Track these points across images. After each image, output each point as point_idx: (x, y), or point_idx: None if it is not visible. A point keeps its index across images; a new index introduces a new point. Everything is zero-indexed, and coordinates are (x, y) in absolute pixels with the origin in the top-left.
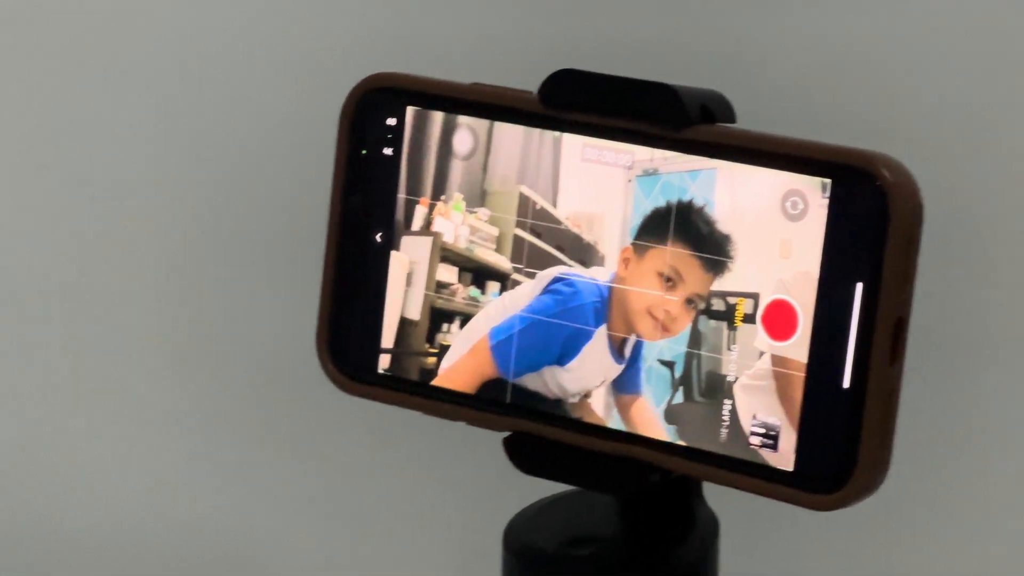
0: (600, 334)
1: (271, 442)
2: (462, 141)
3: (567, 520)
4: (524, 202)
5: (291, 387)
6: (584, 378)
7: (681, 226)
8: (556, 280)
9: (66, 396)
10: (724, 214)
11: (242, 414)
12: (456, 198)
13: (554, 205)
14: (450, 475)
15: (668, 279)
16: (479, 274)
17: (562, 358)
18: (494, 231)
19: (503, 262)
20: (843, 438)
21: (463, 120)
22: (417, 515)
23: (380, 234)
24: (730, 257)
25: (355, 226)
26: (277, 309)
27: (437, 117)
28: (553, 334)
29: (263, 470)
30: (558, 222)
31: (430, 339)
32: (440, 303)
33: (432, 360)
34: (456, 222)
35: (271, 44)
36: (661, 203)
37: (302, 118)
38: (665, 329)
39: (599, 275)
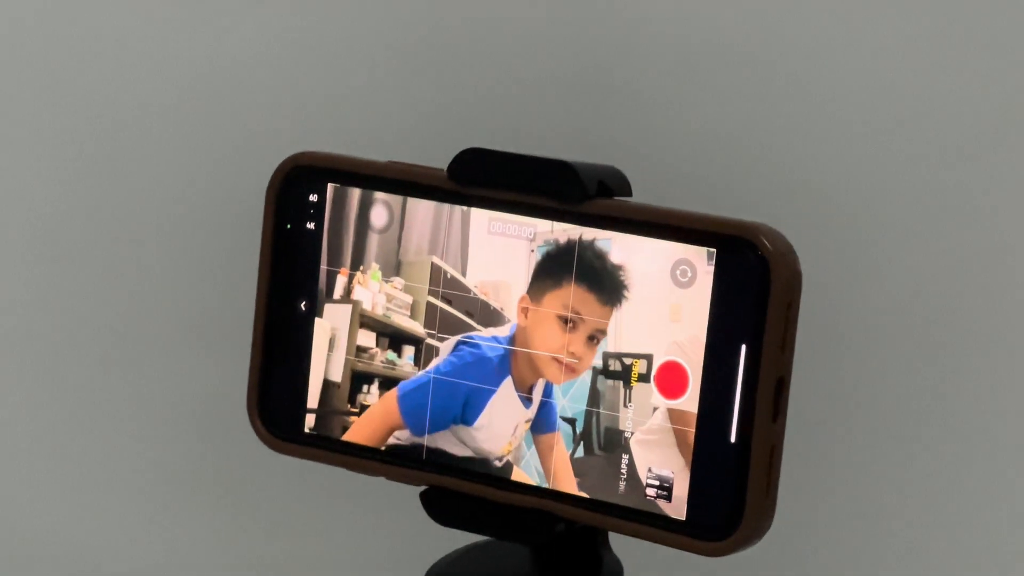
0: (506, 387)
1: (203, 493)
2: (379, 215)
3: (483, 568)
4: (436, 271)
5: (224, 443)
6: (496, 435)
7: (578, 267)
8: (460, 343)
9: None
10: (620, 271)
11: (177, 468)
12: (373, 268)
13: (463, 274)
14: (371, 525)
15: (567, 320)
16: (395, 339)
17: (467, 417)
18: (408, 299)
19: (417, 327)
20: (731, 489)
21: (379, 196)
22: (342, 563)
23: (304, 302)
24: (626, 287)
25: (281, 295)
26: (211, 371)
27: (355, 193)
28: (457, 393)
29: (195, 521)
30: (467, 290)
31: (351, 400)
32: (360, 366)
33: (353, 419)
34: (373, 290)
35: (201, 121)
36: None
37: (228, 193)
38: (571, 370)
39: (500, 331)
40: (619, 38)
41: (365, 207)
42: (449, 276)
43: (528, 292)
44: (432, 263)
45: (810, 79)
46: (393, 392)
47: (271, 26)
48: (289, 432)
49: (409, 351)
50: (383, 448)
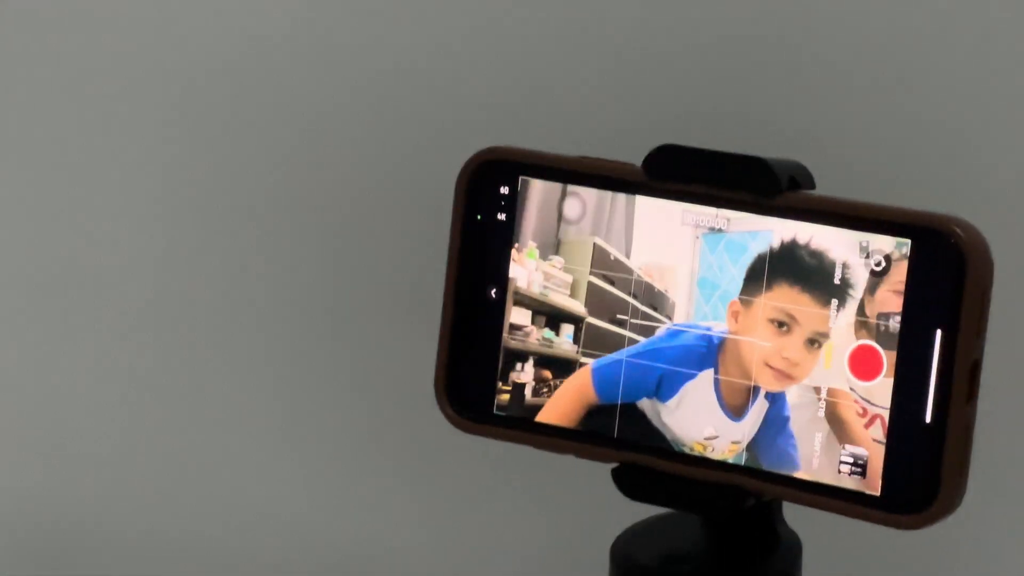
0: (705, 378)
1: (395, 472)
2: (571, 208)
3: (665, 539)
4: (599, 252)
5: (412, 423)
6: (687, 423)
7: (785, 268)
8: (670, 330)
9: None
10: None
11: (375, 446)
12: (530, 246)
13: (627, 256)
14: (556, 498)
15: (781, 324)
16: (553, 317)
17: (661, 394)
18: (568, 278)
19: (577, 306)
20: (926, 466)
21: (572, 189)
22: (528, 536)
23: (494, 289)
24: (835, 282)
25: (470, 283)
26: (398, 355)
27: (547, 186)
28: (652, 372)
29: (388, 496)
30: (630, 271)
31: (503, 378)
32: (513, 344)
33: (544, 398)
34: (530, 269)
35: (395, 115)
36: (759, 251)
37: (417, 184)
38: (787, 377)
39: (714, 326)
40: (790, 31)
41: (557, 199)
42: (612, 257)
43: (740, 296)
44: (595, 243)
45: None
46: (587, 368)
47: (463, 20)
48: (477, 414)
49: (568, 329)
50: (575, 427)
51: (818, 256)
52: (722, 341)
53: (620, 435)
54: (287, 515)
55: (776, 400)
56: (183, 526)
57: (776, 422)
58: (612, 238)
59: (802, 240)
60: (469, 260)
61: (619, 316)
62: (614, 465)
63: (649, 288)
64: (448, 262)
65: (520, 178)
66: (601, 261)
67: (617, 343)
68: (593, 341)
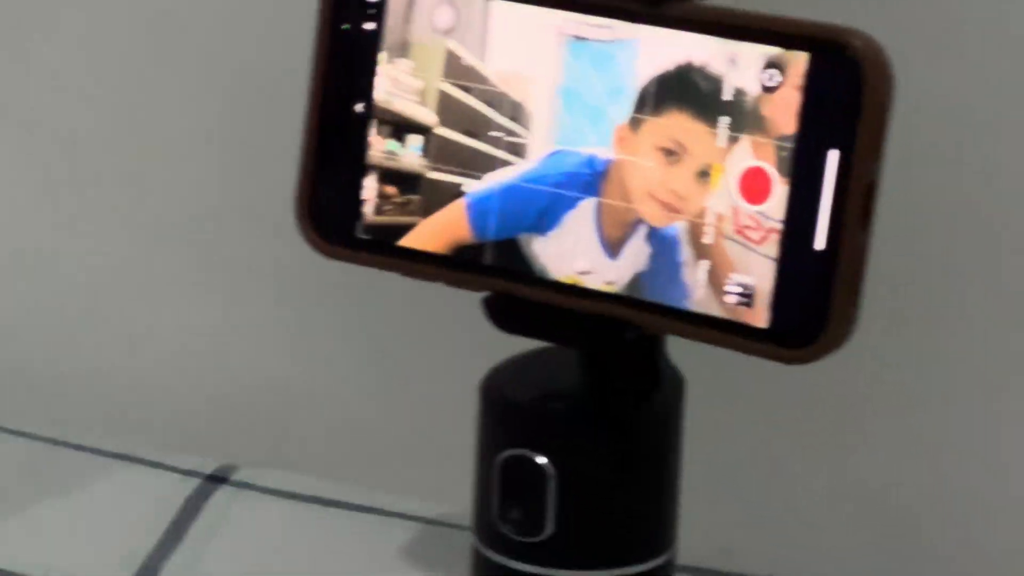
0: (585, 208)
1: (270, 300)
2: (443, 16)
3: (540, 375)
4: (452, 57)
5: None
6: (563, 256)
7: (671, 85)
8: (553, 153)
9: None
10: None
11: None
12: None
13: (482, 61)
14: (427, 329)
15: (670, 152)
16: (399, 127)
17: (542, 225)
18: (418, 83)
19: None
20: (816, 296)
21: None
22: (396, 368)
23: (360, 104)
24: (726, 103)
25: (334, 98)
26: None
27: None
28: (535, 199)
29: (264, 325)
30: (485, 80)
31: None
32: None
33: (408, 222)
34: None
35: None
36: (641, 67)
37: None
38: (674, 210)
39: (599, 152)
40: None
41: (428, 8)
42: (465, 63)
43: (625, 116)
44: (447, 47)
45: None
46: (461, 200)
47: None
48: (342, 237)
49: (415, 141)
50: (445, 253)
51: (706, 70)
52: (607, 167)
53: (494, 262)
54: (165, 344)
55: (659, 236)
56: (58, 353)
57: (659, 255)
58: (467, 41)
59: (689, 54)
60: (333, 73)
61: (474, 129)
62: (486, 294)
63: (507, 99)
64: (312, 76)
65: None
66: (454, 67)
67: (481, 162)
68: (445, 155)
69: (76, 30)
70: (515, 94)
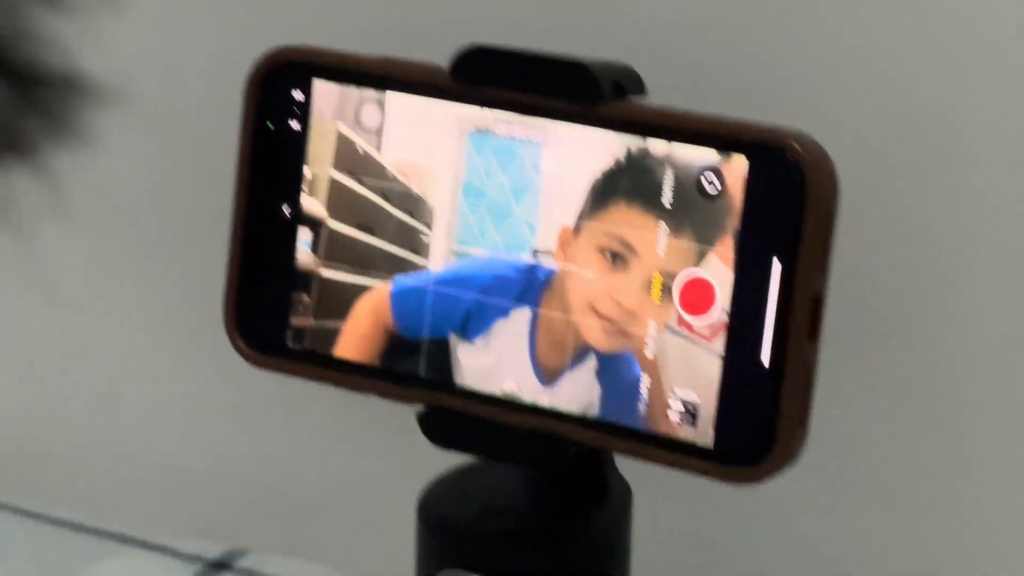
0: (519, 318)
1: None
2: (370, 116)
3: (480, 491)
4: (344, 143)
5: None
6: (493, 370)
7: (611, 187)
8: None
9: None
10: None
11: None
12: None
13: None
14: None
15: (615, 255)
16: None
17: (468, 331)
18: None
19: (317, 208)
20: (763, 413)
21: (369, 94)
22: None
23: (287, 207)
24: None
25: (261, 199)
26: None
27: (343, 91)
28: (460, 302)
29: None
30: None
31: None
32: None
33: (334, 330)
34: None
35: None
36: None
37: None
38: (621, 333)
39: (541, 262)
40: None
41: (354, 105)
42: (361, 151)
43: (566, 221)
44: (339, 131)
45: None
46: (385, 289)
47: None
48: (271, 346)
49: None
50: (375, 364)
51: (644, 174)
52: (548, 275)
53: (427, 374)
54: (171, 425)
55: (607, 361)
56: (57, 433)
57: (604, 376)
58: (360, 128)
59: (629, 154)
60: (259, 174)
61: (368, 223)
62: (419, 409)
63: (405, 191)
64: (238, 177)
65: (314, 80)
66: (346, 155)
67: (373, 258)
68: (339, 251)
69: None
70: (415, 186)
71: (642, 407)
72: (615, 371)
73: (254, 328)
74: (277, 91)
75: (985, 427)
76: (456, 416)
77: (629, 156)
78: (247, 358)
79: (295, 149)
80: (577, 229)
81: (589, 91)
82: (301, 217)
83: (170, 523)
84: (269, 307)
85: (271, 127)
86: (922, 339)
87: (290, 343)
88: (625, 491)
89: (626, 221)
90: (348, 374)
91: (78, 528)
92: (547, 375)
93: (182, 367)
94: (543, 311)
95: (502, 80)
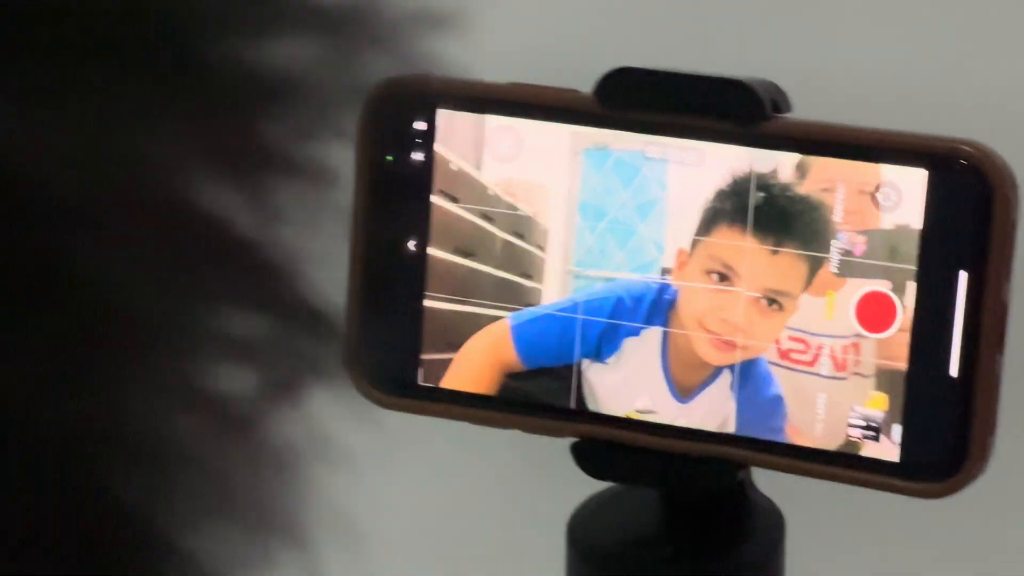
0: (651, 337)
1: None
2: (504, 143)
3: (627, 517)
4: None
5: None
6: (626, 388)
7: (772, 207)
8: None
9: None
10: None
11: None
12: None
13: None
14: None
15: (772, 299)
16: None
17: (601, 352)
18: None
19: None
20: (952, 426)
21: (504, 121)
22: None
23: (413, 241)
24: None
25: (384, 234)
26: None
27: (473, 119)
28: (591, 325)
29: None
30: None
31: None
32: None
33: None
34: None
35: None
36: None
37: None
38: (730, 347)
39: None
40: None
41: (486, 133)
42: (456, 168)
43: (691, 243)
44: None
45: None
46: (503, 321)
47: None
48: (400, 387)
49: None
50: (510, 397)
51: (813, 192)
52: (675, 295)
53: (577, 404)
54: None
55: (749, 370)
56: None
57: (756, 392)
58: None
59: (792, 173)
60: (379, 209)
61: (472, 248)
62: (573, 440)
63: (512, 213)
64: (354, 213)
65: (438, 110)
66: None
67: (482, 285)
68: (446, 281)
69: None
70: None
71: (819, 424)
72: (775, 392)
73: (379, 370)
74: (395, 122)
75: None
76: (612, 446)
77: (782, 174)
78: (375, 401)
79: (419, 181)
80: (693, 246)
81: (751, 109)
82: (428, 248)
83: None
84: (397, 347)
85: (390, 160)
86: None
87: (421, 381)
88: (775, 515)
89: (789, 249)
90: (483, 409)
91: None
92: (682, 390)
93: None
94: (672, 330)
95: (654, 102)
